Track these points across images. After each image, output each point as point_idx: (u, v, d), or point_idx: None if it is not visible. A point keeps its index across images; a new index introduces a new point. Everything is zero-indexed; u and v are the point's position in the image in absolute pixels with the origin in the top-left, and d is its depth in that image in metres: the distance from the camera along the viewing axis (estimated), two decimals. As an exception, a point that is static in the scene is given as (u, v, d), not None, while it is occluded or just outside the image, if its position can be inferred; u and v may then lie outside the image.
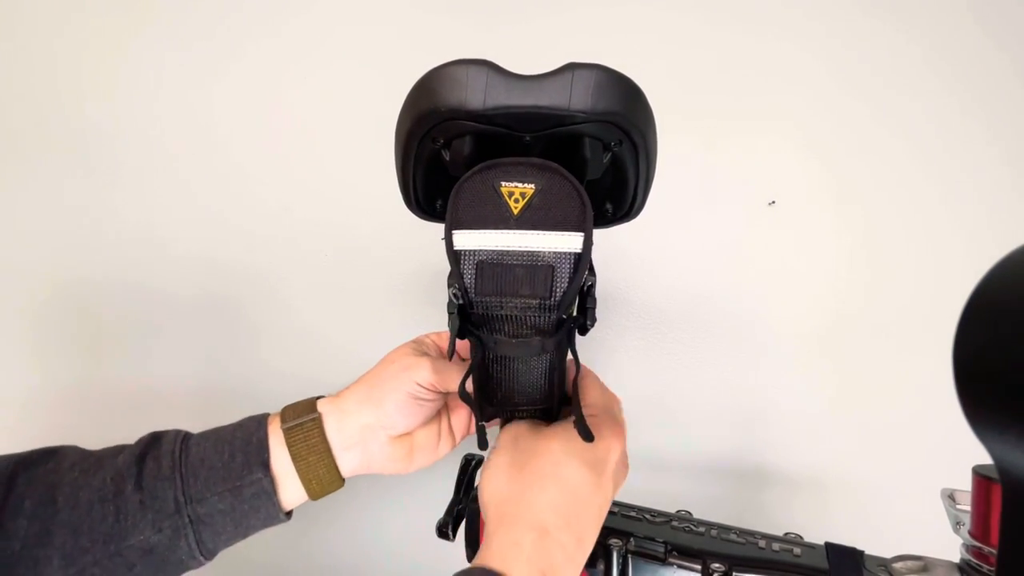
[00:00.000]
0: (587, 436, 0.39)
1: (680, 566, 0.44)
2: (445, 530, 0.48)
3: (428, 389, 0.44)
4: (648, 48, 0.68)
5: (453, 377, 0.44)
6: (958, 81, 0.64)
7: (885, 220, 0.66)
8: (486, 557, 0.35)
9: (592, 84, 0.35)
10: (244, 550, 0.77)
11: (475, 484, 0.50)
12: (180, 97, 0.77)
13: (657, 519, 0.49)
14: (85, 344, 0.82)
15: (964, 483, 0.40)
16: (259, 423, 0.45)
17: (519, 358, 0.39)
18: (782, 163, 0.67)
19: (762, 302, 0.69)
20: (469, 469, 0.51)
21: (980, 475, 0.38)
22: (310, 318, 0.78)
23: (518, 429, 0.42)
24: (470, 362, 0.41)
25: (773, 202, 0.67)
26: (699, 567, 0.44)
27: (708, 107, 0.67)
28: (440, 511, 0.48)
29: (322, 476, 0.44)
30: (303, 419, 0.44)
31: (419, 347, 0.48)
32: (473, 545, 0.46)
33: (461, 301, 0.38)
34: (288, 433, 0.44)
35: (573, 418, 0.40)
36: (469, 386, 0.41)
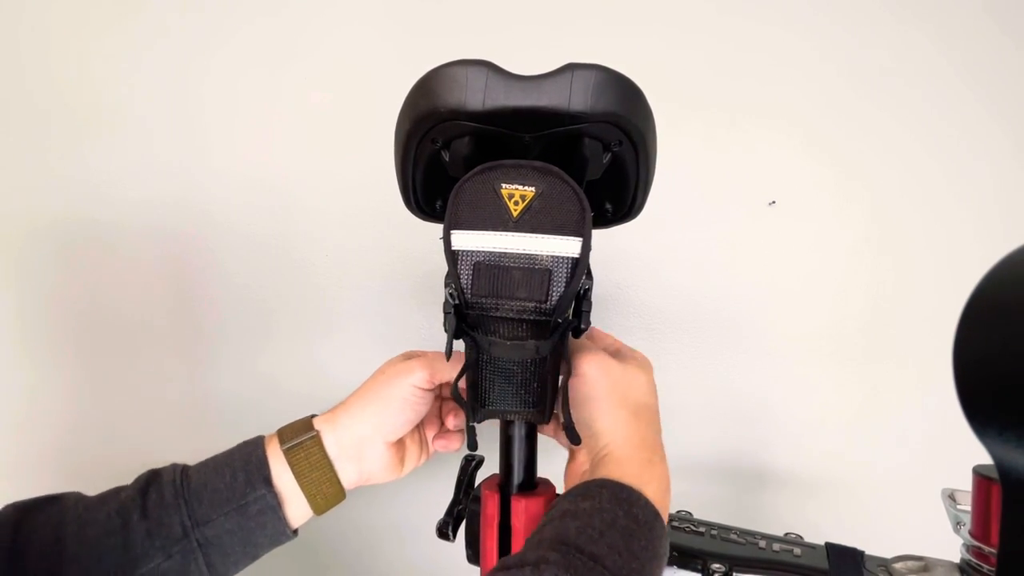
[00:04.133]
0: (575, 440, 0.39)
1: (681, 566, 0.44)
2: (445, 530, 0.48)
3: (424, 389, 0.46)
4: (648, 46, 0.68)
5: (445, 368, 0.46)
6: (966, 75, 0.63)
7: (886, 220, 0.66)
8: (617, 473, 0.37)
9: (592, 84, 0.35)
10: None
11: (475, 485, 0.50)
12: (173, 97, 0.77)
13: (657, 519, 0.49)
14: (79, 345, 0.82)
15: (965, 483, 0.40)
16: (255, 444, 0.46)
17: (513, 360, 0.39)
18: (783, 162, 0.67)
19: (762, 303, 0.69)
20: (469, 470, 0.51)
21: (981, 475, 0.38)
22: (309, 318, 0.78)
23: (601, 359, 0.42)
24: (464, 362, 0.41)
25: (774, 202, 0.67)
26: (699, 567, 0.44)
27: (708, 106, 0.67)
28: (440, 511, 0.48)
29: (326, 491, 0.45)
30: (302, 438, 0.45)
31: (408, 354, 0.49)
32: (473, 545, 0.47)
33: (457, 301, 0.38)
34: (289, 453, 0.44)
35: (631, 355, 0.45)
36: (462, 386, 0.41)
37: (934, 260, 0.66)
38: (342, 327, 0.77)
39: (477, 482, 0.49)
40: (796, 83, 0.66)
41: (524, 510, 0.43)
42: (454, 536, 0.48)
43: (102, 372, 0.82)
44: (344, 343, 0.77)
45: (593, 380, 0.41)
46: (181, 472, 0.45)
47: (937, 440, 0.66)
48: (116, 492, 0.44)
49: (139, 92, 0.77)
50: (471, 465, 0.52)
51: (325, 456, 0.45)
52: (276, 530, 0.45)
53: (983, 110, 0.63)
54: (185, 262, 0.79)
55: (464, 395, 0.42)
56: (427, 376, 0.45)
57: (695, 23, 0.67)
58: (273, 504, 0.43)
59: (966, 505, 0.39)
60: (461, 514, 0.48)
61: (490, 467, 0.48)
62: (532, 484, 0.45)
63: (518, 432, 0.44)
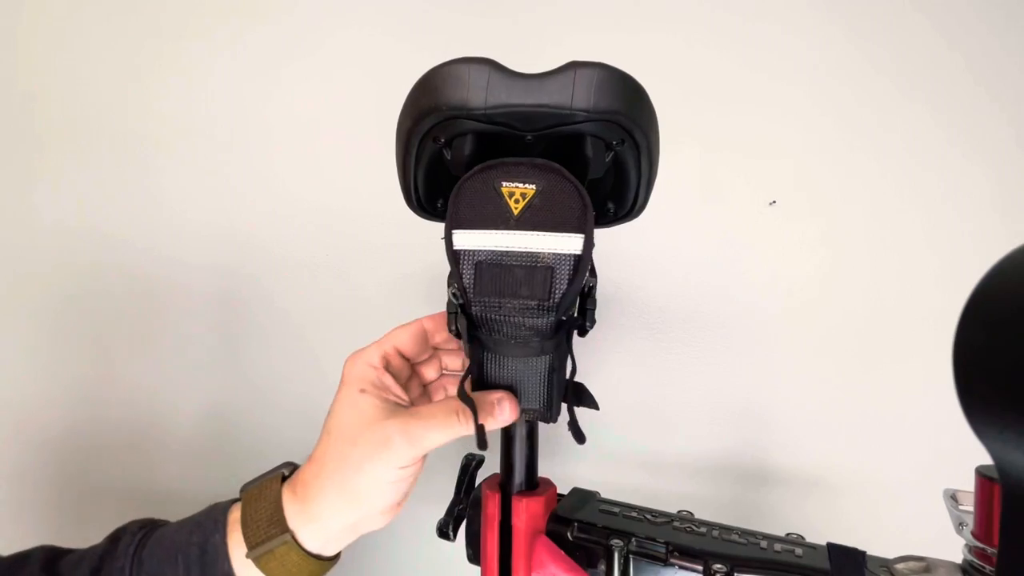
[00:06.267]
0: (579, 438, 0.39)
1: (682, 567, 0.44)
2: (445, 530, 0.48)
3: (410, 466, 0.39)
4: (648, 44, 0.68)
5: (425, 435, 0.39)
6: (969, 75, 0.63)
7: (886, 220, 0.66)
8: None
9: (594, 83, 0.35)
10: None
11: (475, 484, 0.50)
12: (176, 98, 0.77)
13: (658, 519, 0.49)
14: (89, 346, 0.83)
15: (967, 483, 0.40)
16: (216, 523, 0.40)
17: (518, 359, 0.39)
18: (784, 162, 0.67)
19: (763, 302, 0.69)
20: (470, 469, 0.51)
21: (983, 475, 0.38)
22: (309, 320, 0.78)
23: None
24: (467, 366, 0.41)
25: (774, 202, 0.67)
26: (701, 568, 0.43)
27: (709, 106, 0.67)
28: (440, 511, 0.48)
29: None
30: (273, 544, 0.38)
31: (383, 393, 0.41)
32: (473, 545, 0.46)
33: (460, 301, 0.38)
34: (260, 563, 0.38)
35: None
36: (468, 387, 0.41)
37: (936, 260, 0.65)
38: (343, 328, 0.77)
39: (477, 482, 0.49)
40: (798, 83, 0.66)
41: (525, 509, 0.43)
42: (454, 536, 0.48)
43: (109, 364, 0.82)
44: (349, 346, 0.77)
45: None
46: (135, 550, 0.40)
47: (939, 440, 0.66)
48: (76, 563, 0.40)
49: (148, 95, 0.78)
50: (471, 465, 0.52)
51: (305, 556, 0.39)
52: None
53: (984, 110, 0.63)
54: (183, 262, 0.80)
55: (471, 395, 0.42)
56: (411, 453, 0.38)
57: (697, 22, 0.67)
58: None
59: (968, 506, 0.39)
60: (461, 514, 0.48)
61: (490, 467, 0.48)
62: (533, 483, 0.45)
63: (519, 431, 0.44)
